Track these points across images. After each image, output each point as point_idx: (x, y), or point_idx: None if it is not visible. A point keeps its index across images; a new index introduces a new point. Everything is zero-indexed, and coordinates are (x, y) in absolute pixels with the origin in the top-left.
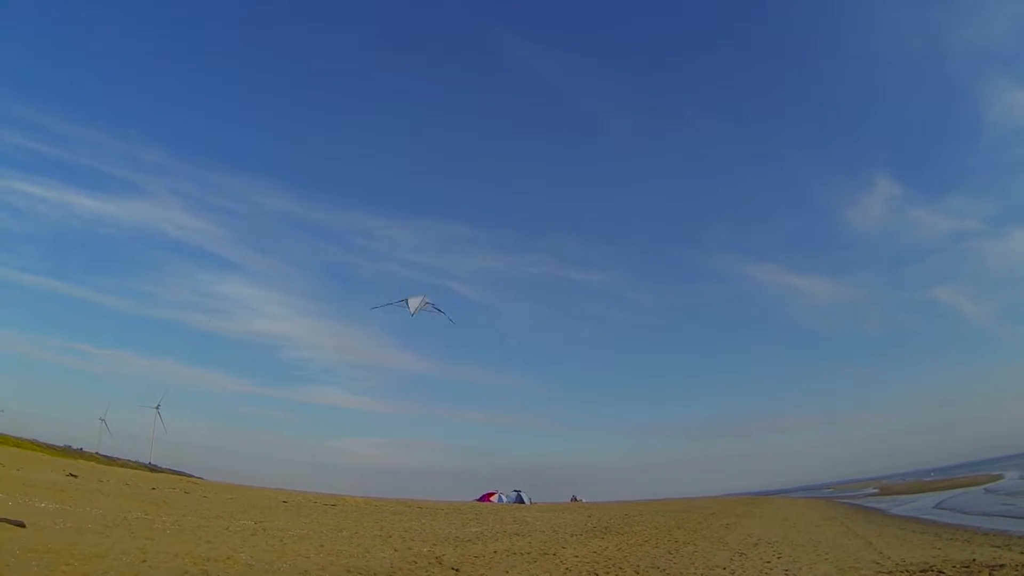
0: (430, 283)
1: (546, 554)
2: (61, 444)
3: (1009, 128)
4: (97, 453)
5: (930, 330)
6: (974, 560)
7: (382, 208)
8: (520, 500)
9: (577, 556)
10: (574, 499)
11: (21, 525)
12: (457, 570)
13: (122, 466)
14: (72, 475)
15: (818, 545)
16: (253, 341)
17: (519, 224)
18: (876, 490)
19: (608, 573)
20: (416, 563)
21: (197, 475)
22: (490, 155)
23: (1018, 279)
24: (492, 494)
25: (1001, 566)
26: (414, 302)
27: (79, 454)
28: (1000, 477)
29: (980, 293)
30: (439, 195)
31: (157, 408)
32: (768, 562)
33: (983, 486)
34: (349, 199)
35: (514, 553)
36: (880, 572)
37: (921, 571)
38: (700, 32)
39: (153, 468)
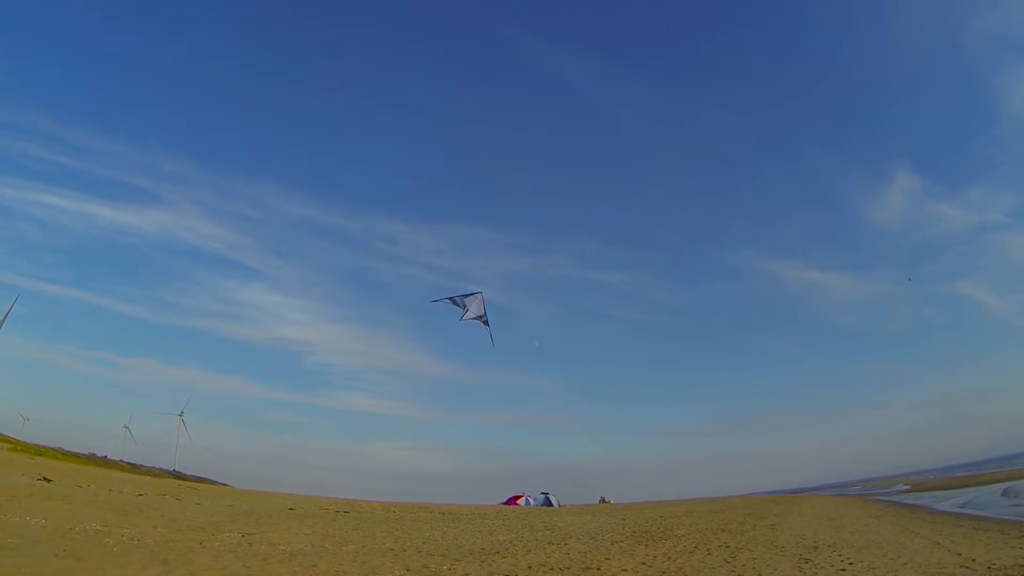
0: (453, 285)
1: (589, 568)
2: (86, 452)
3: None
4: (122, 461)
5: (953, 324)
6: None
7: (402, 212)
8: (548, 503)
9: (625, 570)
10: (603, 500)
11: None
12: None
13: (146, 473)
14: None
15: (882, 547)
16: (277, 347)
17: (539, 226)
18: (907, 486)
19: None
20: None
21: (223, 481)
22: (509, 157)
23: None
24: (519, 497)
25: None
26: (472, 306)
27: (103, 462)
28: None
29: (1004, 286)
30: (458, 198)
31: (181, 415)
32: (842, 570)
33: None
34: (369, 204)
35: (552, 568)
36: None
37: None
38: (716, 29)
39: (178, 475)
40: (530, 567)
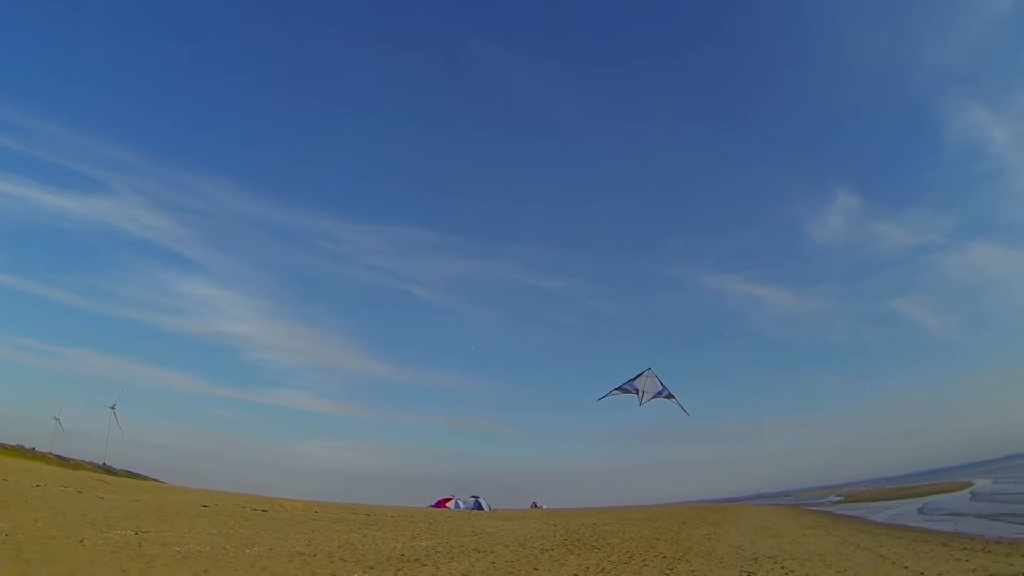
0: (393, 288)
1: None
2: (13, 444)
3: (968, 144)
4: (51, 453)
5: (890, 341)
6: None
7: (348, 211)
8: (479, 507)
9: None
10: (534, 506)
11: None
12: None
13: (74, 467)
14: None
15: (824, 558)
16: (214, 342)
17: (483, 230)
18: (840, 498)
19: None
20: None
21: (154, 477)
22: (456, 160)
23: (976, 292)
24: (449, 500)
25: None
26: (646, 387)
27: (31, 454)
28: (970, 484)
29: (939, 305)
30: (405, 200)
31: (113, 408)
32: None
33: (963, 492)
34: (315, 202)
35: None
36: None
37: None
38: (667, 42)
39: (107, 469)
40: None
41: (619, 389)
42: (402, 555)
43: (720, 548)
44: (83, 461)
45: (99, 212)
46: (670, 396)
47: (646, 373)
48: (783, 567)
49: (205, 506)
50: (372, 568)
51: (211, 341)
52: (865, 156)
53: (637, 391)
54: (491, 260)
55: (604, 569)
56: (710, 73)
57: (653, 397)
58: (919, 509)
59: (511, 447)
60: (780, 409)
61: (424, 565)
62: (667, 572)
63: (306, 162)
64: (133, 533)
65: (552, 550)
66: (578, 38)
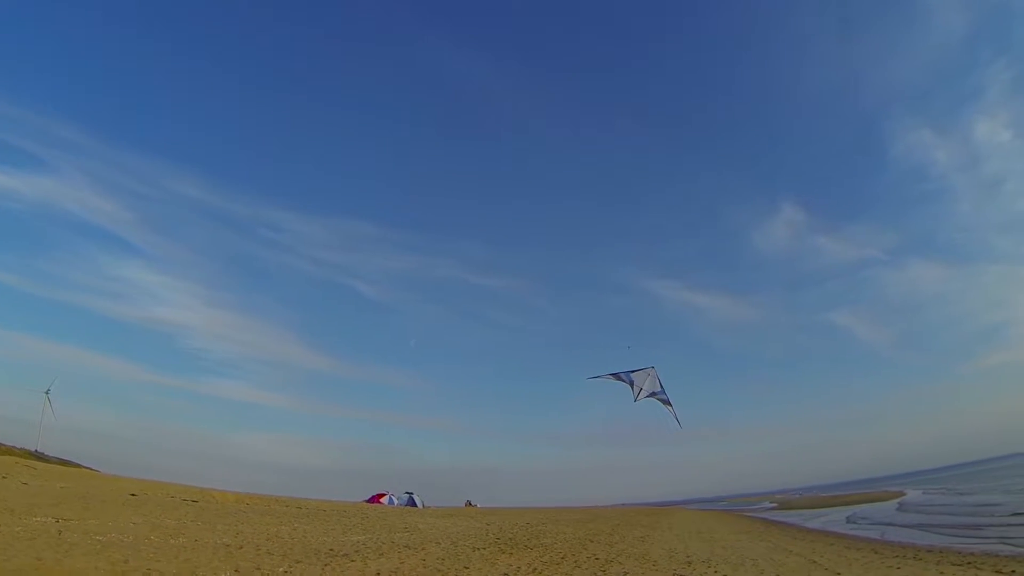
0: (334, 280)
1: None
2: None
3: (912, 164)
4: None
5: (827, 352)
6: None
7: (293, 201)
8: (412, 503)
9: None
10: (468, 504)
11: None
12: None
13: (4, 452)
14: None
15: (757, 563)
16: (153, 329)
17: (428, 226)
18: (774, 504)
19: None
20: None
21: (88, 465)
22: (405, 155)
23: (912, 308)
24: (383, 495)
25: None
26: (644, 383)
27: None
28: (902, 494)
29: (877, 319)
30: (351, 193)
31: (47, 393)
32: None
33: (893, 501)
34: (260, 190)
35: None
36: None
37: None
38: (623, 48)
39: (40, 456)
40: (378, 573)
41: (614, 376)
42: (331, 550)
43: (653, 551)
44: (14, 447)
45: (41, 191)
46: (667, 402)
47: (648, 370)
48: (716, 571)
49: (133, 495)
50: (299, 562)
51: (150, 328)
52: (811, 171)
53: (632, 384)
54: (434, 256)
55: (536, 569)
56: (665, 82)
57: (649, 396)
58: (847, 518)
59: (448, 444)
60: (717, 415)
61: (352, 561)
62: (599, 574)
63: (254, 150)
64: (54, 521)
65: (484, 549)
66: (536, 40)
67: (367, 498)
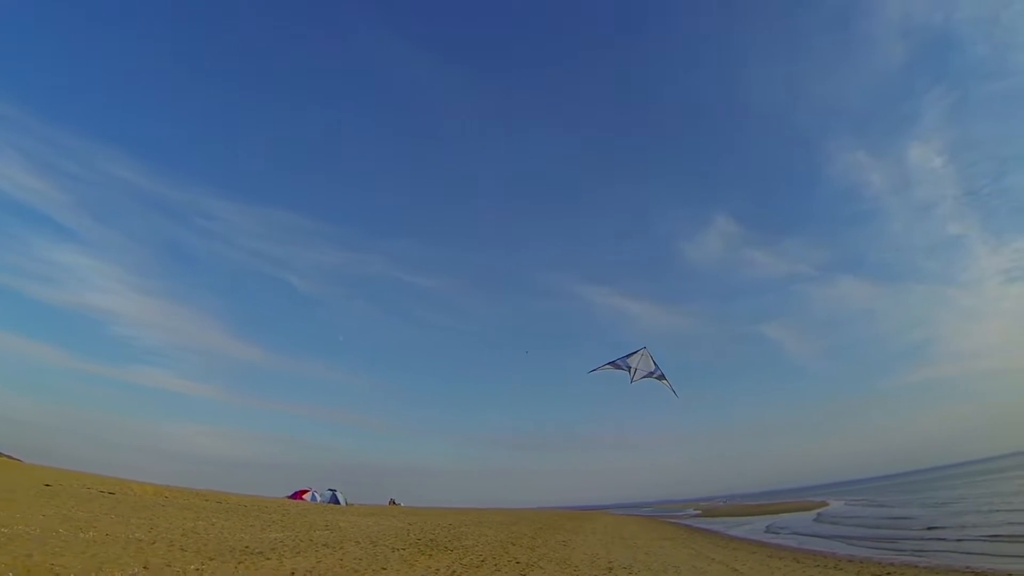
0: (266, 272)
1: None
2: None
3: (847, 183)
4: None
5: (757, 363)
6: None
7: (228, 190)
8: (335, 500)
9: None
10: (392, 503)
11: None
12: None
13: None
14: None
15: (679, 570)
16: (81, 314)
17: (361, 222)
18: (699, 511)
19: None
20: None
21: (8, 453)
22: (342, 150)
23: (839, 323)
24: (305, 491)
25: None
26: (640, 364)
27: None
28: (825, 504)
29: (805, 333)
30: (286, 184)
31: None
32: None
33: (814, 511)
34: (197, 177)
35: None
36: None
37: None
38: (562, 52)
39: None
40: (292, 573)
41: (611, 364)
42: (247, 547)
43: (575, 556)
44: None
45: None
46: (662, 377)
47: (641, 352)
48: None
49: (48, 485)
50: (212, 559)
51: (79, 313)
52: (748, 185)
53: (629, 368)
54: (366, 252)
55: (455, 572)
56: (601, 90)
57: (645, 376)
58: (766, 528)
59: (374, 441)
60: (644, 422)
61: (268, 559)
62: None
63: (193, 136)
64: None
65: (404, 549)
66: (476, 40)
67: (290, 494)
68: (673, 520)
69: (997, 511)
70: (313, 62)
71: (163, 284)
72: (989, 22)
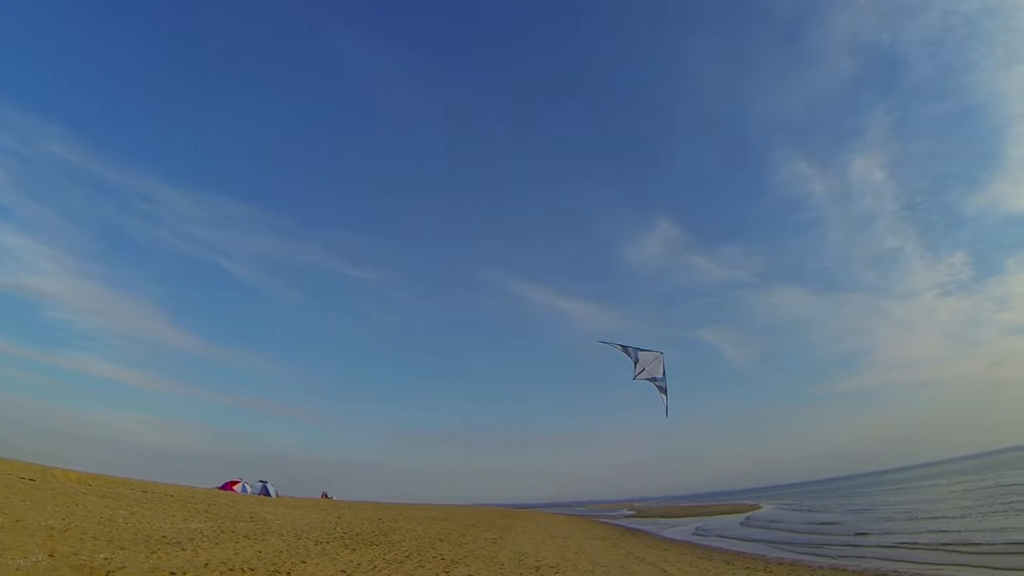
0: (204, 259)
1: (277, 572)
2: None
3: (789, 193)
4: None
5: (695, 367)
6: None
7: (169, 173)
8: (266, 492)
9: None
10: (324, 496)
11: None
12: None
13: None
14: None
15: (608, 570)
16: (15, 296)
17: (301, 211)
18: (632, 512)
19: None
20: None
21: None
22: (283, 136)
23: (777, 331)
24: (236, 483)
25: None
26: (648, 365)
27: None
28: (758, 507)
29: (743, 339)
30: (227, 170)
31: None
32: None
33: (745, 514)
34: (138, 158)
35: (232, 569)
36: None
37: None
38: (512, 49)
39: None
40: (207, 564)
41: (623, 347)
42: (164, 536)
43: (503, 553)
44: None
45: None
46: (663, 390)
47: (656, 354)
48: None
49: None
50: (124, 549)
51: (12, 296)
52: (691, 190)
53: (636, 362)
54: (304, 242)
55: (376, 567)
56: (550, 87)
57: (649, 379)
58: (695, 530)
59: (309, 433)
60: (578, 422)
61: (183, 549)
62: (442, 574)
63: (136, 118)
64: None
65: (328, 543)
66: (418, 28)
67: (220, 485)
68: (607, 520)
69: (922, 518)
70: (260, 48)
71: (101, 268)
72: (935, 44)
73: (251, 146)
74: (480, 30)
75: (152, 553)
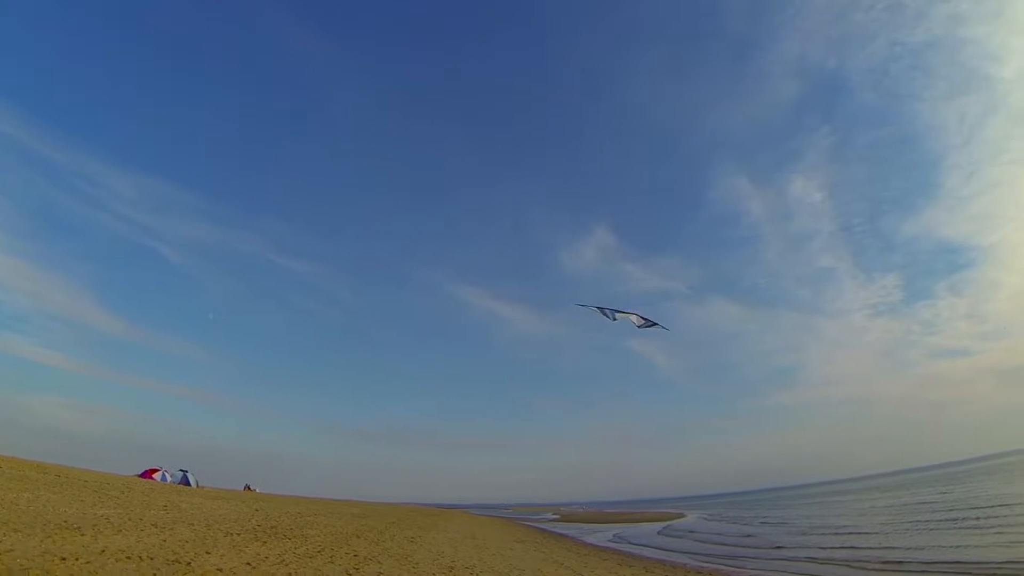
0: (140, 242)
1: (178, 562)
2: None
3: (727, 209)
4: None
5: (627, 376)
6: None
7: (110, 153)
8: (186, 482)
9: (221, 569)
10: (248, 488)
11: None
12: None
13: None
14: None
15: (523, 574)
16: None
17: (240, 199)
18: (556, 516)
19: None
20: None
21: None
22: (226, 123)
23: (709, 343)
24: (156, 471)
25: None
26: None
27: None
28: (682, 516)
29: (674, 350)
30: (168, 154)
31: None
32: None
33: (664, 523)
34: (79, 136)
35: (131, 556)
36: None
37: None
38: (467, 48)
39: None
40: (104, 551)
41: (599, 308)
42: (65, 521)
43: (419, 553)
44: None
45: None
46: (650, 322)
47: (633, 315)
48: None
49: None
50: (18, 532)
51: None
52: (629, 200)
53: (614, 319)
54: (242, 230)
55: (284, 561)
56: (496, 87)
57: (642, 323)
58: (612, 537)
59: (237, 424)
60: (510, 425)
61: (83, 535)
62: (352, 572)
63: (78, 92)
64: None
65: (239, 534)
66: (376, 26)
67: (140, 472)
68: (530, 523)
69: (838, 533)
70: (208, 34)
71: (33, 246)
72: (879, 72)
73: (195, 132)
74: (429, 26)
75: (47, 537)
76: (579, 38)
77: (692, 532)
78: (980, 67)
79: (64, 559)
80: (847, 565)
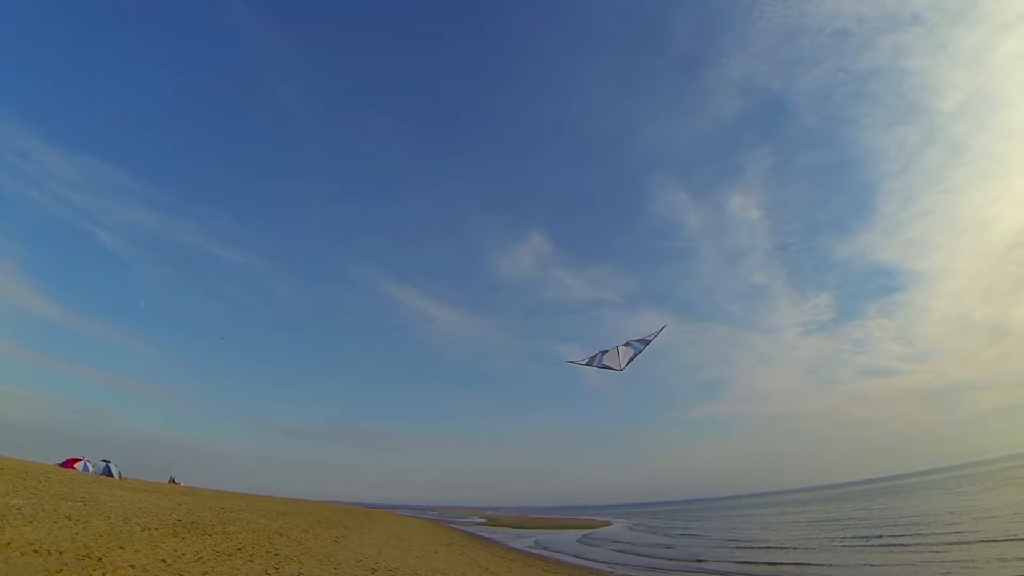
0: (76, 224)
1: (88, 557)
2: None
3: (664, 222)
4: None
5: (555, 383)
6: None
7: (48, 130)
8: (108, 472)
9: (134, 566)
10: (172, 481)
11: None
12: None
13: None
14: None
15: None
16: None
17: (181, 186)
18: (483, 520)
19: None
20: None
21: None
22: (170, 109)
23: (641, 354)
24: (77, 460)
25: None
26: (622, 356)
27: None
28: (608, 524)
29: None
30: (111, 135)
31: None
32: None
33: (585, 531)
34: (16, 109)
35: (38, 551)
36: None
37: None
38: (410, 44)
39: None
40: (10, 543)
41: (588, 364)
42: None
43: (342, 553)
44: None
45: None
46: (639, 350)
47: (617, 348)
48: None
49: None
50: None
51: None
52: (567, 207)
53: (605, 367)
54: (181, 219)
55: (202, 558)
56: (436, 88)
57: (634, 356)
58: (533, 543)
59: (166, 415)
60: (435, 426)
61: None
62: (271, 571)
63: (17, 65)
64: None
65: (156, 529)
66: (321, 18)
67: (61, 462)
68: (457, 526)
69: (759, 547)
70: (154, 14)
71: None
72: (822, 97)
73: (138, 114)
74: (380, 24)
75: None
76: (528, 43)
77: (611, 541)
78: (921, 98)
79: None
80: None
